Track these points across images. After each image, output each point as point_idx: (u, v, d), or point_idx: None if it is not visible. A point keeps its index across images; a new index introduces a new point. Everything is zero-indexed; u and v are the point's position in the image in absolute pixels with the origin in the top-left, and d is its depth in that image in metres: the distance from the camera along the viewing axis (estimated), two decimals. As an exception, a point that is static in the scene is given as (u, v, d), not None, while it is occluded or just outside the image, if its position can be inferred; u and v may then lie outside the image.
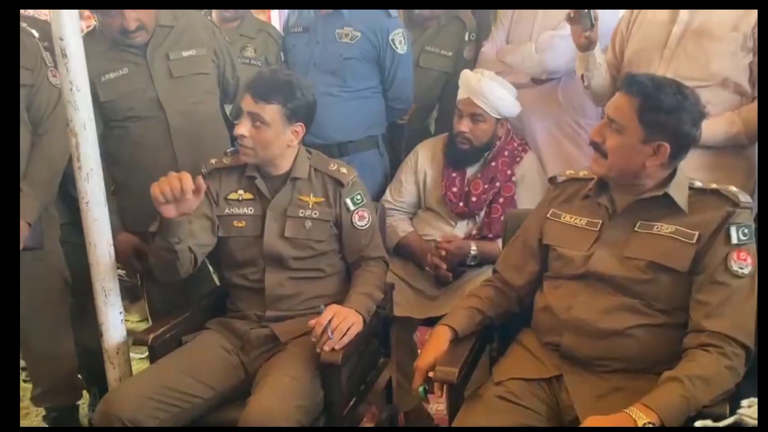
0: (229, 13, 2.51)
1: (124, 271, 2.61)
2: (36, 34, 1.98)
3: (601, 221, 1.60)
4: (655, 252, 1.50)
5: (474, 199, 2.29)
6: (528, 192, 2.30)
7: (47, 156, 1.96)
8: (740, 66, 1.93)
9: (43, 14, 2.76)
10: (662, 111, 1.46)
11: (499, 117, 2.27)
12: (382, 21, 2.43)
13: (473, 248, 2.24)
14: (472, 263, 2.26)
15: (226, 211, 1.91)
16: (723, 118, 1.92)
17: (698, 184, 1.55)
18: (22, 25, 1.98)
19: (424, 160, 2.39)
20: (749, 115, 1.89)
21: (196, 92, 2.16)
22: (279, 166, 1.89)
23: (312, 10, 2.49)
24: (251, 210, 1.90)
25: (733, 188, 1.52)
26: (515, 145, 2.35)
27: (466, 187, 2.31)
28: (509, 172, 2.31)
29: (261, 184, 1.90)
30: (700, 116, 1.51)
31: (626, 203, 1.57)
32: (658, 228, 1.52)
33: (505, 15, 2.57)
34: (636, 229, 1.54)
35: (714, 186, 1.53)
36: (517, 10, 2.50)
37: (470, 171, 2.33)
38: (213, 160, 1.95)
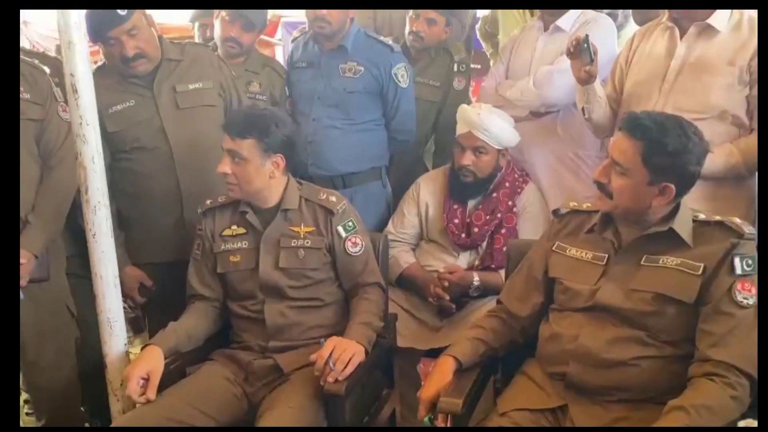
0: (235, 49, 2.56)
1: (126, 303, 2.62)
2: (47, 70, 2.03)
3: (607, 255, 1.61)
4: (661, 284, 1.51)
5: (476, 230, 2.31)
6: (530, 223, 2.32)
7: (56, 188, 1.99)
8: (738, 99, 1.96)
9: (53, 50, 2.83)
10: (667, 154, 1.47)
11: (500, 148, 2.30)
12: (385, 55, 2.49)
13: (476, 279, 2.25)
14: (475, 294, 2.26)
15: (222, 247, 1.94)
16: (722, 150, 1.95)
17: (702, 216, 1.56)
18: (34, 61, 2.03)
19: (426, 192, 2.42)
20: (748, 146, 1.92)
21: (202, 124, 2.19)
22: (268, 198, 1.91)
23: (316, 47, 2.54)
24: (245, 244, 1.92)
25: (737, 219, 1.53)
26: (516, 176, 2.38)
27: (467, 218, 2.33)
28: (510, 203, 2.33)
29: (253, 218, 1.92)
30: (704, 153, 1.52)
31: (632, 238, 1.58)
32: (663, 261, 1.53)
33: (504, 51, 2.64)
34: (642, 262, 1.55)
35: (718, 218, 1.55)
36: (515, 47, 2.55)
37: (472, 202, 2.35)
38: (208, 201, 1.99)
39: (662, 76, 2.03)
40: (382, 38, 2.60)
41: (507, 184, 2.34)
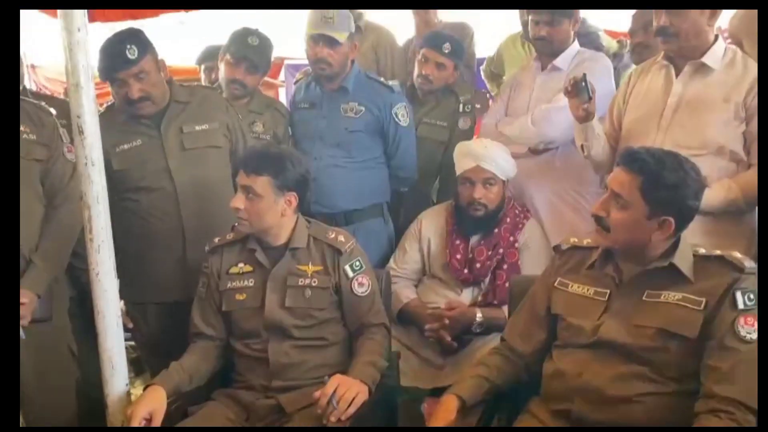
0: (239, 90, 2.61)
1: (130, 342, 2.62)
2: (54, 112, 2.06)
3: (608, 291, 1.61)
4: (664, 320, 1.51)
5: (478, 265, 2.31)
6: (532, 259, 2.32)
7: (60, 229, 2.00)
8: (735, 134, 1.99)
9: (60, 92, 2.88)
10: (666, 188, 1.49)
11: (504, 179, 2.33)
12: (385, 95, 2.54)
13: (479, 315, 2.24)
14: (479, 330, 2.25)
15: (228, 285, 1.94)
16: (721, 185, 1.96)
17: (702, 251, 1.56)
18: (41, 103, 2.07)
19: (427, 229, 2.43)
20: (747, 182, 1.93)
21: (207, 165, 2.22)
22: (277, 236, 1.92)
23: (318, 88, 2.59)
24: (251, 282, 1.93)
25: (738, 254, 1.54)
26: (517, 212, 2.39)
27: (470, 254, 2.33)
28: (512, 238, 2.34)
29: (261, 256, 1.93)
30: (702, 188, 1.54)
31: (633, 273, 1.58)
32: (665, 296, 1.53)
33: (503, 90, 2.69)
34: (644, 298, 1.55)
35: (718, 252, 1.55)
36: (514, 86, 2.61)
37: (474, 238, 2.36)
38: (216, 239, 2.00)
39: (660, 114, 2.06)
40: (381, 79, 2.66)
41: (508, 220, 2.36)
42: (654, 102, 2.09)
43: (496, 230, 2.34)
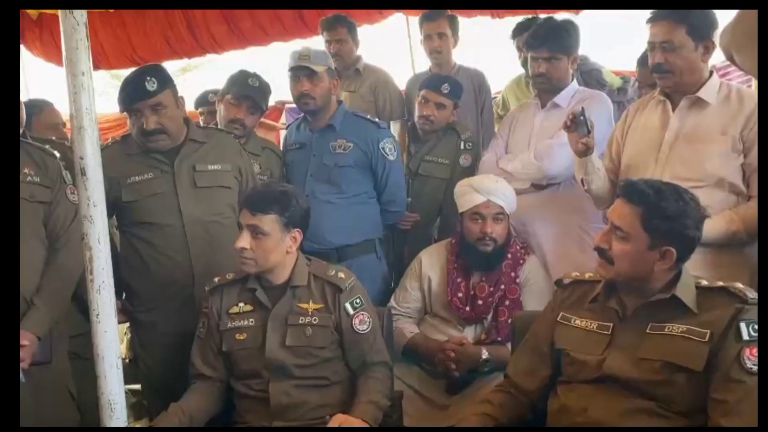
0: (239, 130, 2.66)
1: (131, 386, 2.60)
2: (57, 155, 2.08)
3: (612, 324, 1.60)
4: (669, 352, 1.50)
5: (480, 302, 2.30)
6: (533, 295, 2.32)
7: (61, 271, 2.00)
8: (733, 166, 2.01)
9: (64, 136, 2.91)
10: (666, 218, 1.50)
11: (509, 213, 2.35)
12: (372, 131, 2.62)
13: (485, 353, 2.22)
14: (486, 369, 2.23)
15: (229, 325, 1.93)
16: (722, 217, 1.97)
17: (704, 282, 1.56)
18: (45, 146, 2.09)
19: (428, 267, 2.43)
20: (747, 213, 1.94)
21: (217, 204, 2.24)
22: (279, 274, 1.92)
23: (307, 128, 2.65)
24: (252, 321, 1.92)
25: (740, 285, 1.53)
26: (518, 248, 2.39)
27: (471, 291, 2.33)
28: (513, 274, 2.33)
29: (261, 295, 1.92)
30: (702, 218, 1.55)
31: (636, 306, 1.58)
32: (669, 328, 1.52)
33: (503, 127, 2.73)
34: (648, 331, 1.54)
35: (720, 284, 1.55)
36: (514, 123, 2.64)
37: (475, 275, 2.36)
38: (216, 279, 2.00)
39: (658, 147, 2.09)
40: (368, 116, 2.75)
41: (509, 256, 2.36)
42: (652, 136, 2.12)
43: (497, 267, 2.34)
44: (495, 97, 3.62)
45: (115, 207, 2.18)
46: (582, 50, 2.89)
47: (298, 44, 4.26)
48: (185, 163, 2.22)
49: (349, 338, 1.91)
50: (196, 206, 2.20)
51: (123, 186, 2.15)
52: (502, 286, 2.31)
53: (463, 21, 3.56)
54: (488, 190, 2.33)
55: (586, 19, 3.92)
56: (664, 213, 1.50)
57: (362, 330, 1.92)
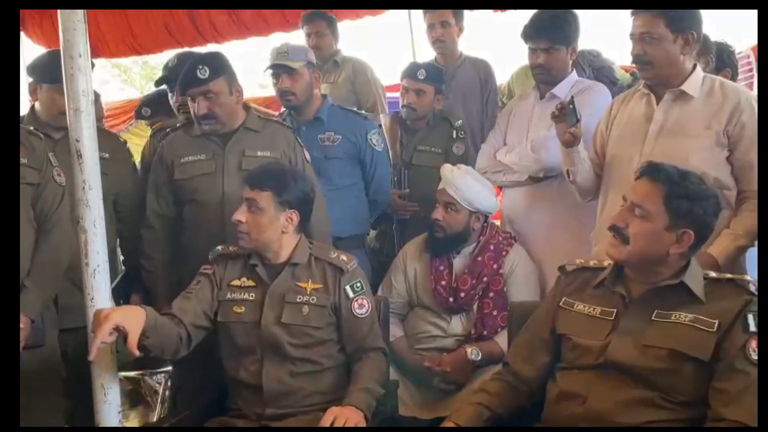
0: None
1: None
2: (42, 137, 2.07)
3: (615, 310, 1.59)
4: (676, 341, 1.49)
5: (462, 294, 2.31)
6: (519, 285, 2.33)
7: (52, 252, 2.00)
8: (718, 160, 2.00)
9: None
10: (689, 199, 1.51)
11: (471, 209, 2.33)
12: (359, 123, 2.68)
13: (473, 354, 2.23)
14: (479, 365, 2.23)
15: (228, 296, 1.93)
16: (724, 237, 1.96)
17: (712, 274, 1.56)
18: (30, 127, 2.07)
19: (411, 258, 2.45)
20: (746, 225, 1.94)
21: None
22: (278, 254, 1.93)
23: (294, 122, 2.65)
24: (252, 296, 1.92)
25: (748, 277, 1.54)
26: (500, 239, 2.39)
27: (454, 283, 2.33)
28: (495, 266, 2.34)
29: (262, 272, 1.93)
30: (719, 207, 1.56)
31: (642, 291, 1.57)
32: (676, 316, 1.51)
33: (502, 118, 2.71)
34: (653, 318, 1.53)
35: (729, 275, 1.55)
36: (512, 115, 2.63)
37: (457, 266, 2.37)
38: (220, 247, 2.01)
39: (642, 140, 2.08)
40: (354, 108, 2.81)
41: (491, 248, 2.36)
42: (636, 129, 2.11)
43: (479, 258, 2.35)
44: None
45: (169, 185, 2.32)
46: (594, 45, 2.88)
47: (297, 35, 4.27)
48: (236, 147, 2.29)
49: (348, 322, 1.91)
50: (240, 188, 2.19)
51: (176, 165, 2.28)
52: (485, 278, 2.31)
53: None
54: (445, 178, 2.36)
55: (597, 15, 3.88)
56: (686, 193, 1.51)
57: (361, 314, 1.91)
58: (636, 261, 1.57)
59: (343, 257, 1.96)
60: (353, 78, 3.42)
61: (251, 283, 1.93)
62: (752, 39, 4.50)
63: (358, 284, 1.93)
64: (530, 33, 2.47)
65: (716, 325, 1.46)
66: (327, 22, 3.50)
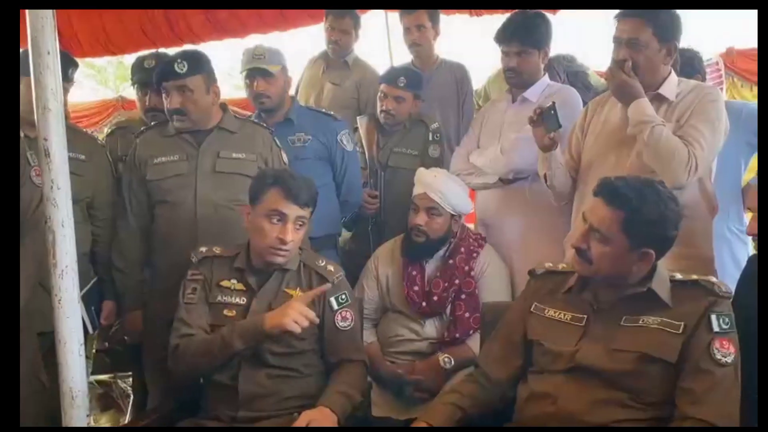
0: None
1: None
2: (22, 134, 2.03)
3: (585, 316, 1.61)
4: (644, 344, 1.51)
5: (435, 297, 2.30)
6: (490, 285, 2.32)
7: (29, 256, 1.95)
8: None
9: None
10: (647, 223, 1.51)
11: (453, 213, 2.34)
12: (329, 124, 2.68)
13: (446, 361, 2.23)
14: (451, 370, 2.22)
15: (219, 298, 1.91)
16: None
17: (678, 276, 1.58)
18: None
19: (383, 263, 2.44)
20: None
21: (234, 191, 2.24)
22: (294, 262, 1.92)
23: (265, 123, 2.62)
24: (243, 300, 1.90)
25: (713, 278, 1.56)
26: (471, 240, 2.40)
27: (426, 286, 2.33)
28: (467, 267, 2.34)
29: (250, 277, 1.91)
30: (680, 217, 1.56)
31: (610, 299, 1.59)
32: (644, 321, 1.53)
33: (475, 121, 2.73)
34: (622, 323, 1.55)
35: (694, 277, 1.57)
36: (485, 117, 2.64)
37: (429, 270, 2.36)
38: (203, 249, 1.99)
39: (618, 144, 2.09)
40: (323, 109, 2.82)
41: (462, 250, 2.36)
42: (612, 132, 2.12)
43: (450, 261, 2.34)
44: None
45: (143, 186, 2.29)
46: (568, 50, 2.90)
47: (275, 37, 4.24)
48: (211, 148, 2.27)
49: (330, 333, 1.90)
50: (213, 190, 2.24)
51: (149, 165, 2.25)
52: (457, 281, 2.31)
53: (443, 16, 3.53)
54: (425, 183, 2.35)
55: (571, 19, 3.90)
56: (645, 218, 1.50)
57: (344, 327, 1.90)
58: (602, 277, 1.59)
59: (330, 267, 1.94)
60: (360, 86, 3.34)
61: (241, 287, 1.92)
62: (720, 46, 4.62)
63: (343, 296, 1.92)
64: (502, 36, 2.48)
65: (682, 326, 1.49)
66: (354, 21, 3.41)
